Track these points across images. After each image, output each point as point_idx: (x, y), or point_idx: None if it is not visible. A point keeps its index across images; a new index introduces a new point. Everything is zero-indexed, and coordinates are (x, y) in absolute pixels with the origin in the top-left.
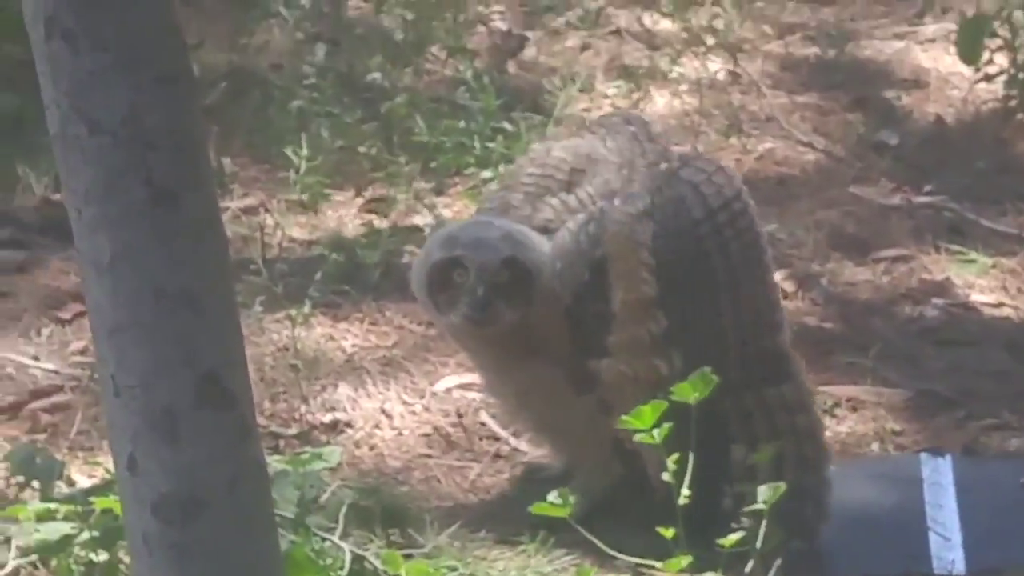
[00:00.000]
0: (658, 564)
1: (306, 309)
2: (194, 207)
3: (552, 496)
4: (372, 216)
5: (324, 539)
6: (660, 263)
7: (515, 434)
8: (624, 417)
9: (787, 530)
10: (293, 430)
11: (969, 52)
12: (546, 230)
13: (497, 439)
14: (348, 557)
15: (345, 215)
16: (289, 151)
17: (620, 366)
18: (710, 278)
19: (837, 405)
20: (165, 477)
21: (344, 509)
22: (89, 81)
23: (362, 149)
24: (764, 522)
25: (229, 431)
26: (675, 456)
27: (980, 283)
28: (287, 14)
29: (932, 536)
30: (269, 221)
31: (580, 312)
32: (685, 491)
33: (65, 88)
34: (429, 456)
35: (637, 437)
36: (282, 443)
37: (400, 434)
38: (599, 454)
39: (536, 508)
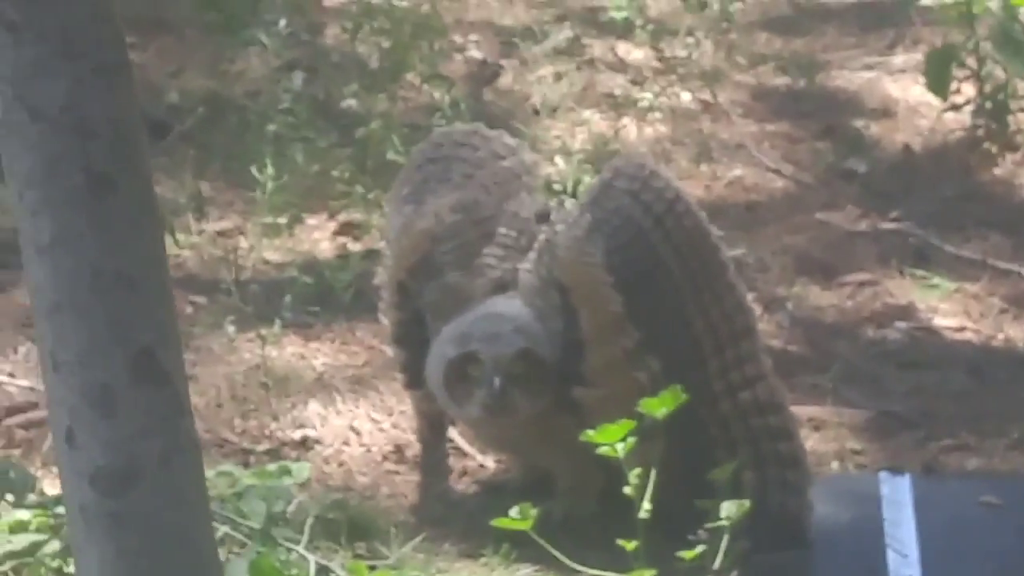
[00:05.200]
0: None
1: (276, 328)
2: (131, 193)
3: (514, 511)
4: (345, 239)
5: (290, 550)
6: (618, 278)
7: (481, 451)
8: (588, 432)
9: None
10: (263, 446)
11: (937, 82)
12: (502, 287)
13: (465, 455)
14: (313, 568)
15: (319, 238)
16: (256, 171)
17: (599, 390)
18: (670, 284)
19: (800, 425)
20: (101, 450)
21: (310, 521)
22: (31, 70)
23: (335, 173)
24: (725, 537)
25: (163, 407)
26: (637, 470)
27: (943, 307)
28: (266, 41)
29: (890, 553)
30: (243, 243)
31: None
32: (647, 505)
33: (8, 77)
34: (397, 472)
35: (601, 451)
36: (252, 459)
37: (368, 450)
38: (583, 472)
39: (499, 522)
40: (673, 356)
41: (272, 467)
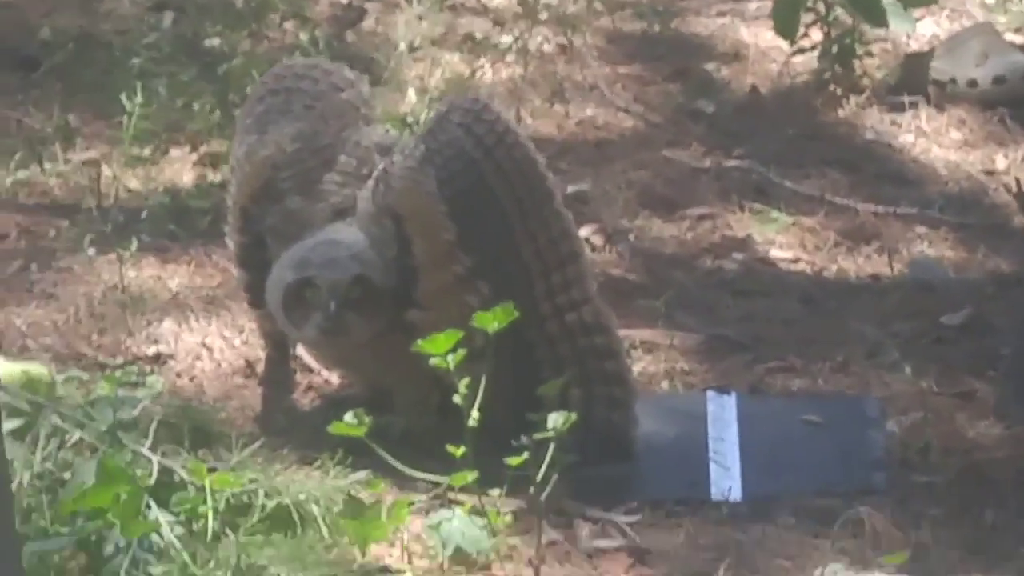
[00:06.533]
0: (445, 479)
1: (133, 247)
2: None
3: (348, 416)
4: (206, 169)
5: (134, 451)
6: (450, 207)
7: (325, 367)
8: (419, 342)
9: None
10: (118, 360)
11: (785, 26)
12: (341, 213)
13: (311, 371)
14: (156, 468)
15: (180, 168)
16: (124, 101)
17: (432, 314)
18: (499, 212)
19: (633, 347)
20: None
21: (154, 425)
22: None
23: (197, 107)
24: (551, 446)
25: None
26: (466, 380)
27: (780, 240)
28: None
29: (712, 466)
30: (108, 172)
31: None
32: (475, 414)
33: None
34: (245, 387)
35: (432, 361)
36: (107, 371)
37: (219, 366)
38: (419, 389)
39: (334, 428)
40: (503, 281)
41: (124, 376)
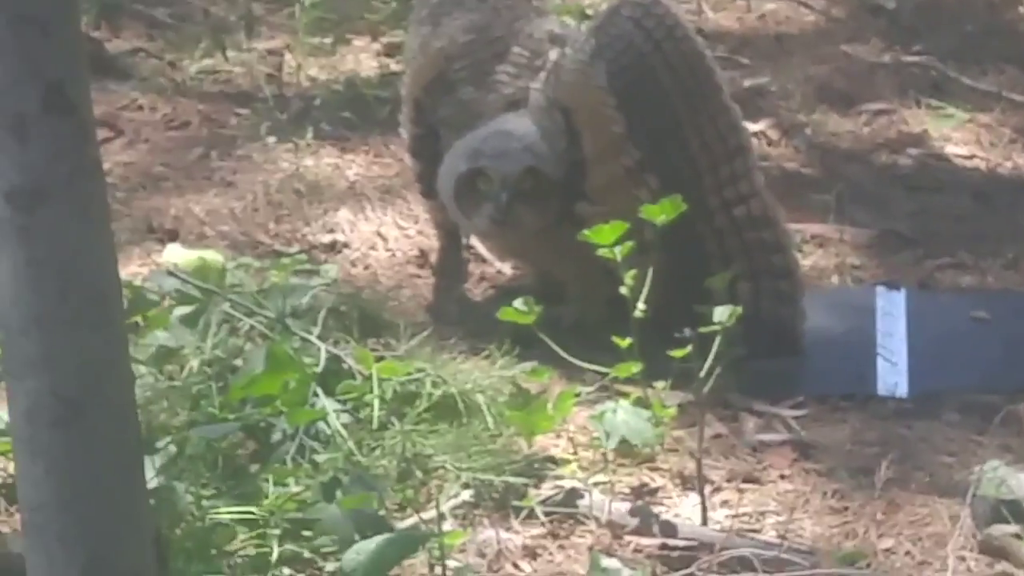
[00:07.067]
0: (611, 371)
1: (310, 136)
2: None
3: (518, 303)
4: (388, 60)
5: (303, 339)
6: (619, 100)
7: (499, 258)
8: (586, 232)
9: (765, 351)
10: (294, 249)
11: None
12: (513, 104)
13: (484, 261)
14: (323, 355)
15: (363, 58)
16: None
17: (601, 207)
18: (668, 105)
19: (804, 241)
20: (15, 171)
21: (323, 313)
22: None
23: None
24: (717, 339)
25: (70, 134)
26: (633, 272)
27: (955, 136)
28: None
29: (880, 361)
30: (289, 61)
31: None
32: (641, 305)
33: None
34: (419, 276)
35: (599, 252)
36: (282, 259)
37: (393, 255)
38: (589, 280)
39: (503, 314)
40: (671, 174)
41: (298, 263)
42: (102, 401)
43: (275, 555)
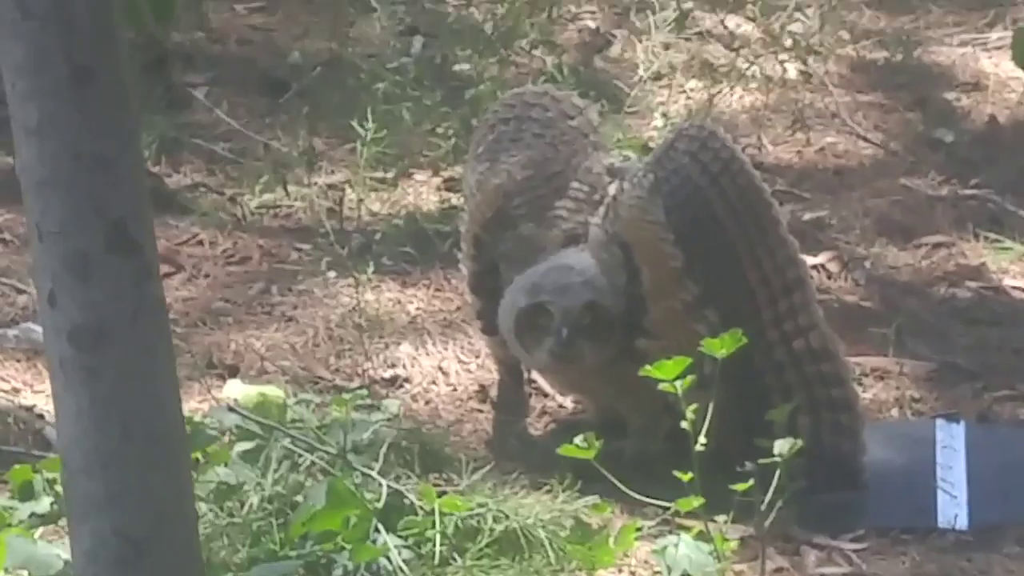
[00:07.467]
0: (672, 505)
1: (371, 271)
2: (109, 83)
3: (578, 439)
4: (449, 194)
5: (364, 474)
6: (677, 235)
7: (560, 392)
8: (647, 368)
9: (826, 485)
10: (355, 384)
11: (1023, 57)
12: (573, 239)
13: (545, 395)
14: (385, 491)
15: (423, 192)
16: (360, 126)
17: (661, 341)
18: (725, 239)
19: (865, 375)
20: (78, 310)
21: (384, 448)
22: None
23: (442, 131)
24: (778, 473)
25: (133, 273)
26: (694, 406)
27: (1013, 268)
28: (390, 7)
29: (940, 493)
30: (351, 195)
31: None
32: (702, 439)
33: None
34: (480, 411)
35: (661, 387)
36: (343, 394)
37: (455, 390)
38: (650, 414)
39: (564, 449)
40: (729, 308)
41: (359, 398)
42: (166, 541)
43: None
